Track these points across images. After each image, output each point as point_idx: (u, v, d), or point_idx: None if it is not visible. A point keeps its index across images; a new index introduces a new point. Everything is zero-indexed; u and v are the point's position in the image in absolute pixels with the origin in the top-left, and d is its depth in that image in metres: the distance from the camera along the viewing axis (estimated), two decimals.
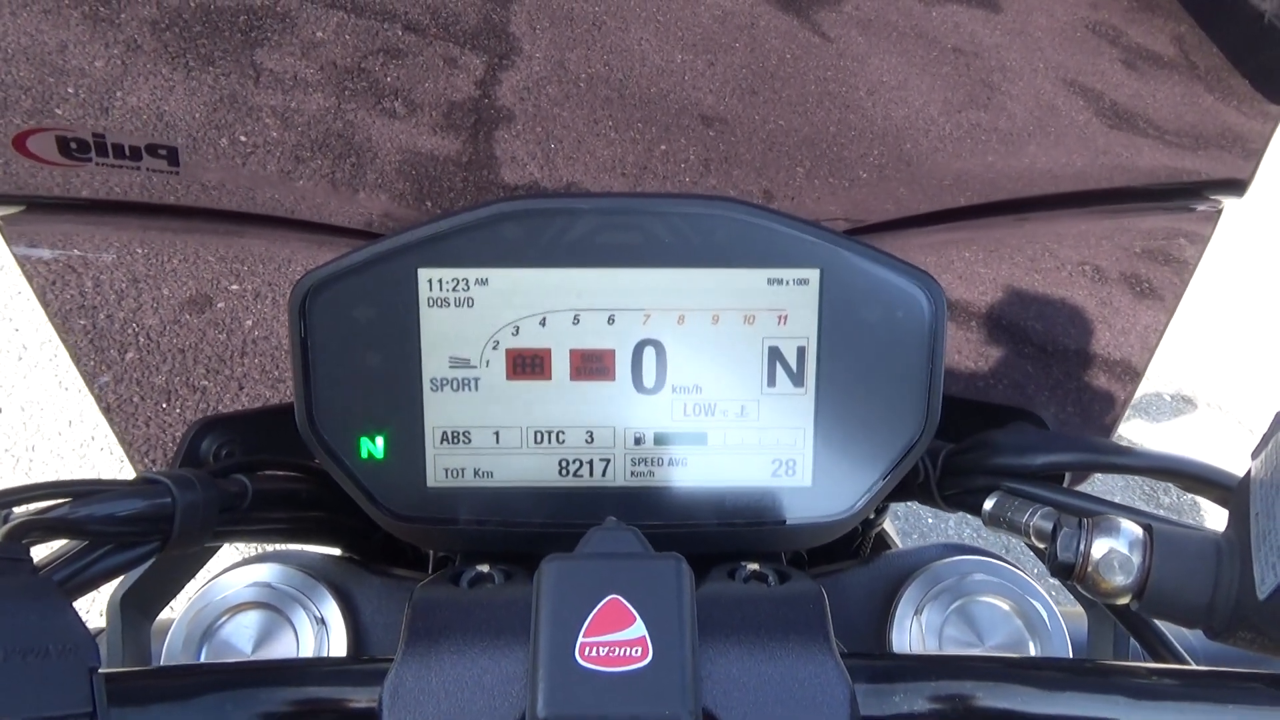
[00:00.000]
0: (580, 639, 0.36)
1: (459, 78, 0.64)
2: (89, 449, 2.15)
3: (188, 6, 0.58)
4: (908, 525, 2.24)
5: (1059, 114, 0.66)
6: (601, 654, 0.35)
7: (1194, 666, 0.43)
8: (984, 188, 0.69)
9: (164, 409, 0.74)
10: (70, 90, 0.59)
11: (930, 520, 2.25)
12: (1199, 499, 2.31)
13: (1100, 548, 0.40)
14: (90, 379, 0.72)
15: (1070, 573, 0.41)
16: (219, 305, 0.71)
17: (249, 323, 0.72)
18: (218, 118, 0.62)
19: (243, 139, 0.63)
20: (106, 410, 0.74)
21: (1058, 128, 0.66)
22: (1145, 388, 2.79)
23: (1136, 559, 0.39)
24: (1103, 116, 0.66)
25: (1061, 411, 0.78)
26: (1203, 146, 0.66)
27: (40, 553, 0.41)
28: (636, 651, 0.35)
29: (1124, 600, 0.40)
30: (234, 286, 0.70)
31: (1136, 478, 2.43)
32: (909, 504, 2.21)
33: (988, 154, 0.67)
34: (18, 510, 0.41)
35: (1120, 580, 0.39)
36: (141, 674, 0.39)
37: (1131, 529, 0.40)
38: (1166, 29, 0.62)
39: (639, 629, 0.36)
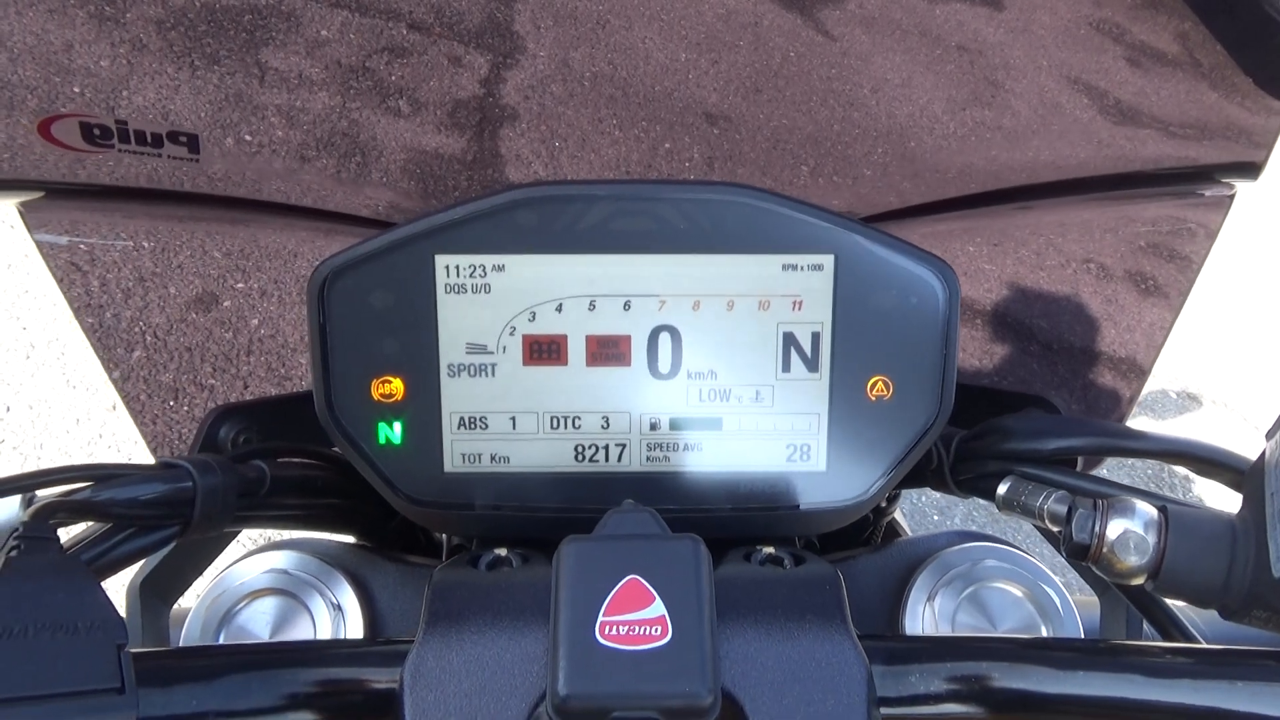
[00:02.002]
0: (600, 618, 0.36)
1: (464, 76, 0.64)
2: (97, 446, 2.16)
3: (193, 6, 0.59)
4: (913, 523, 2.24)
5: (1063, 110, 0.66)
6: (621, 633, 0.36)
7: (1208, 646, 0.43)
8: (988, 180, 0.69)
9: (171, 407, 0.75)
10: (76, 90, 0.59)
11: (936, 518, 2.26)
12: (1205, 495, 2.30)
13: (1115, 528, 0.40)
14: (109, 368, 0.73)
15: (1085, 554, 0.41)
16: (225, 304, 0.71)
17: (255, 321, 0.72)
18: (224, 116, 0.62)
19: (248, 137, 0.63)
20: (127, 399, 0.74)
21: (1062, 124, 0.66)
22: (1151, 385, 2.80)
23: (1151, 539, 0.39)
24: (1107, 112, 0.66)
25: (1070, 405, 0.78)
26: (1208, 139, 0.66)
27: (64, 536, 0.42)
28: (656, 630, 0.36)
29: (1139, 581, 0.40)
30: (240, 285, 0.71)
31: (1138, 470, 2.43)
32: (914, 503, 2.20)
33: (992, 149, 0.67)
34: (42, 493, 0.41)
35: (1135, 560, 0.40)
36: (168, 654, 0.39)
37: (1146, 510, 0.40)
38: (1169, 25, 0.63)
39: (658, 608, 0.36)
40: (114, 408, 2.16)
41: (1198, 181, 0.69)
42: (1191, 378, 2.86)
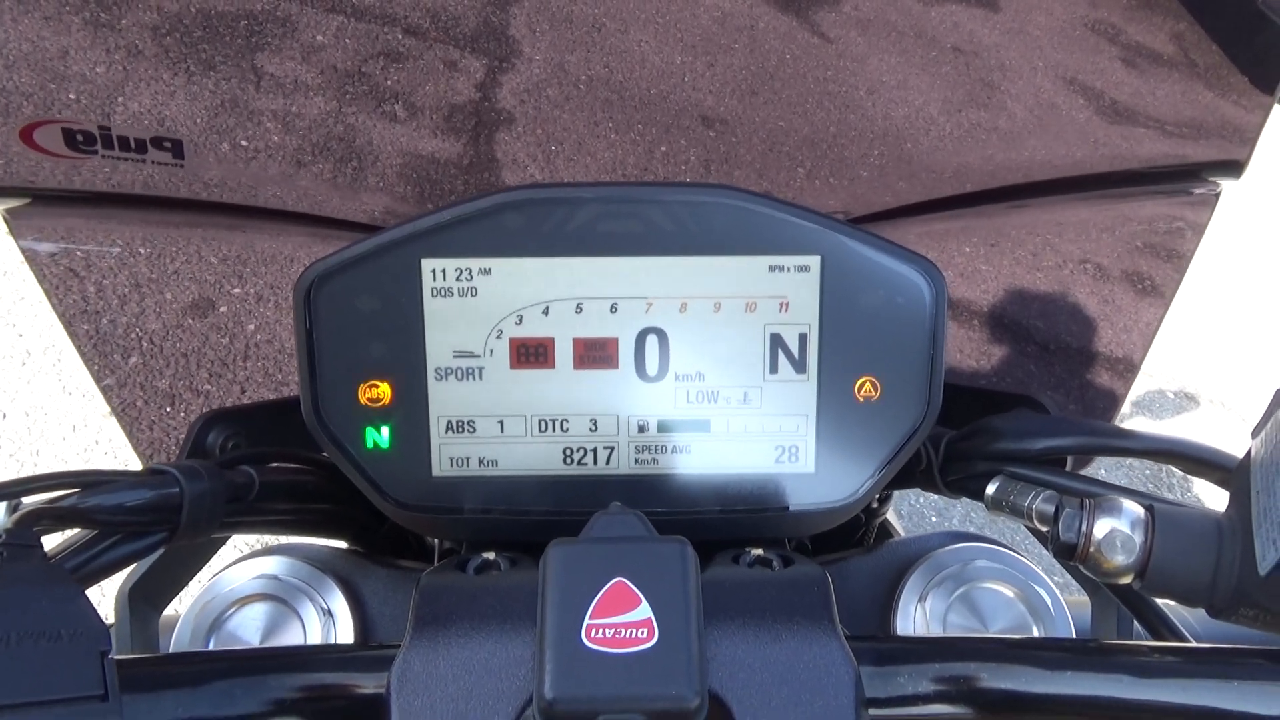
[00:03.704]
0: (586, 621, 0.36)
1: (459, 81, 0.64)
2: (93, 453, 2.16)
3: (188, 11, 0.59)
4: (911, 524, 2.24)
5: (1057, 110, 0.66)
6: (608, 636, 0.35)
7: (1197, 644, 0.43)
8: (983, 180, 0.69)
9: (168, 413, 0.75)
10: (71, 95, 0.59)
11: (934, 519, 2.25)
12: (1198, 494, 2.31)
13: (1102, 528, 0.40)
14: (98, 377, 0.73)
15: (1073, 553, 0.41)
16: (221, 309, 0.71)
17: (251, 326, 0.72)
18: (219, 122, 0.62)
19: (244, 143, 0.63)
20: (116, 407, 0.74)
21: (1056, 123, 0.66)
22: (1147, 384, 2.80)
23: (1138, 538, 0.39)
24: (1100, 112, 0.66)
25: (1061, 403, 0.78)
26: (1199, 135, 0.67)
27: (50, 543, 0.42)
28: (642, 633, 0.36)
29: (1126, 580, 0.40)
30: (236, 290, 0.71)
31: (1136, 472, 2.43)
32: (913, 504, 2.20)
33: (987, 149, 0.67)
34: (27, 500, 0.41)
35: (1122, 560, 0.40)
36: (152, 660, 0.39)
37: (1133, 509, 0.40)
38: (1161, 23, 0.63)
39: (645, 611, 0.36)
40: (110, 414, 2.16)
41: (1186, 180, 0.69)
42: (1188, 377, 2.86)
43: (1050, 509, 0.44)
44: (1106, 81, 0.65)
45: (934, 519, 2.25)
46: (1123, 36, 0.64)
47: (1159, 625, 0.50)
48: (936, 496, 0.61)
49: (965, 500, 0.57)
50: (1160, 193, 0.70)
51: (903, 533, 0.78)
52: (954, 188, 0.70)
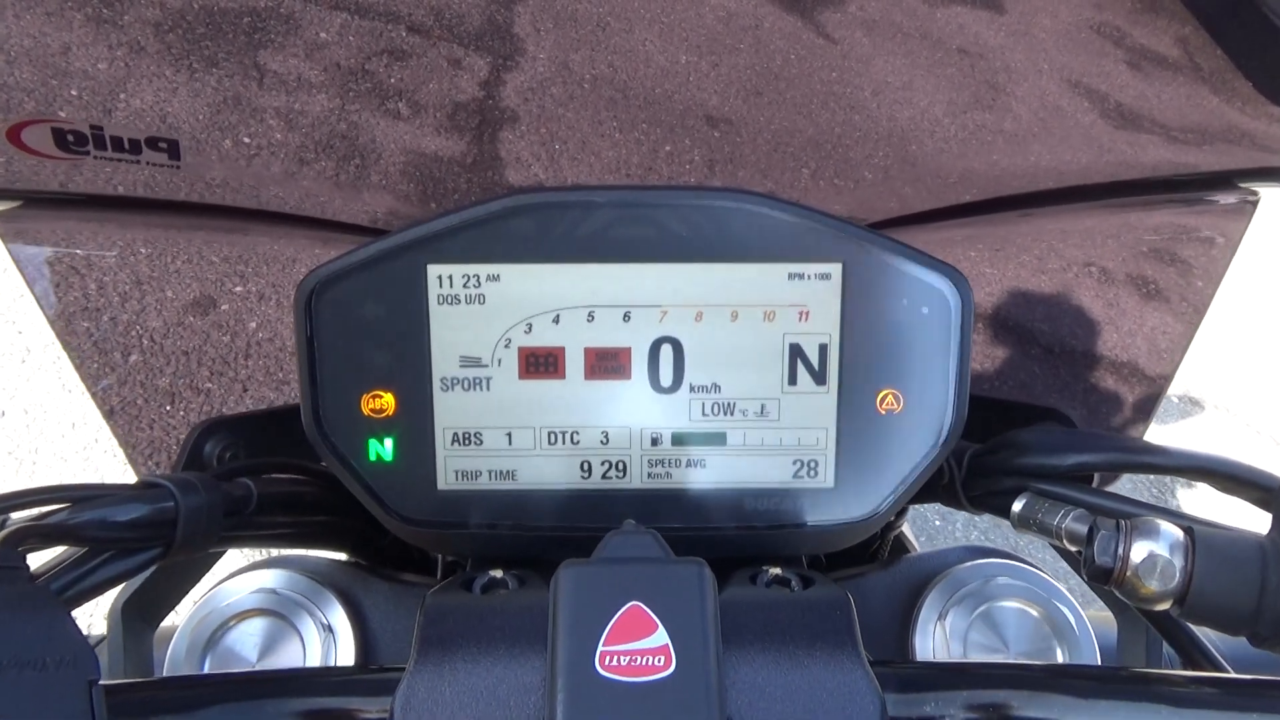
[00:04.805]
0: (600, 648, 0.34)
1: (463, 79, 0.63)
2: (92, 452, 2.14)
3: (191, 9, 0.58)
4: (912, 526, 2.23)
5: (1064, 114, 0.65)
6: (622, 663, 0.34)
7: (1237, 675, 0.42)
8: (989, 185, 0.68)
9: (168, 411, 0.73)
10: (74, 92, 0.58)
11: (938, 523, 2.24)
12: (1186, 501, 2.29)
13: (1140, 551, 0.38)
14: (91, 382, 0.71)
15: (1108, 577, 0.39)
16: (223, 307, 0.70)
17: (253, 325, 0.71)
18: (221, 119, 0.61)
19: (246, 140, 0.62)
20: (109, 414, 0.73)
21: (1063, 128, 0.65)
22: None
23: (1178, 563, 0.38)
24: (1108, 116, 0.64)
25: (1086, 418, 0.76)
26: (1228, 144, 0.65)
27: (38, 561, 0.40)
28: (659, 661, 0.34)
29: (1164, 606, 0.38)
30: (238, 288, 0.69)
31: (1138, 481, 2.41)
32: (914, 507, 2.19)
33: (993, 153, 0.66)
34: (14, 516, 0.39)
35: (1160, 585, 0.38)
36: (142, 685, 0.38)
37: (1172, 531, 0.38)
38: (1170, 30, 0.61)
39: (661, 637, 0.35)
40: (111, 413, 2.15)
41: (1216, 188, 0.67)
42: (1193, 383, 2.84)
43: (1082, 529, 0.42)
44: (1114, 93, 0.64)
45: (937, 523, 2.24)
46: (1130, 43, 0.62)
47: (1192, 650, 0.48)
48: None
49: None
50: (1186, 201, 0.68)
51: (918, 545, 0.76)
52: (960, 194, 0.68)
